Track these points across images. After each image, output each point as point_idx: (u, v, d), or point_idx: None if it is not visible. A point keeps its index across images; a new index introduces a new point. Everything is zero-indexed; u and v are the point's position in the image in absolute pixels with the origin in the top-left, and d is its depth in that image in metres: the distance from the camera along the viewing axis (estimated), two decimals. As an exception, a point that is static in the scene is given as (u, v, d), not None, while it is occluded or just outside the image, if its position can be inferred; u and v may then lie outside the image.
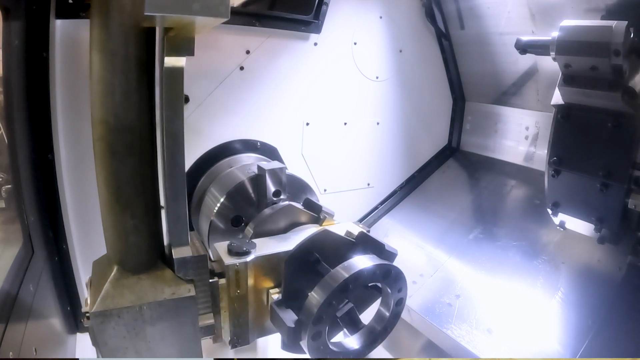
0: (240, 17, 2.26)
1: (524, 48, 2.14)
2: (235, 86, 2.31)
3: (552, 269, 2.17)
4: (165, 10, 0.90)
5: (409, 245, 2.71)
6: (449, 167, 3.18)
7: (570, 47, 1.80)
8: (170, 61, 1.11)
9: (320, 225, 1.75)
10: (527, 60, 2.56)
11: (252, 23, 2.27)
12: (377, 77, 2.80)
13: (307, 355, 1.33)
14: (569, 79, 1.91)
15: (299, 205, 1.77)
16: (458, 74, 3.10)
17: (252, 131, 2.43)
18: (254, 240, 1.51)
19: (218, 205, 1.90)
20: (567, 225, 2.14)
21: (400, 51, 2.86)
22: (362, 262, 1.32)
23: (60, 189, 1.91)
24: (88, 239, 2.11)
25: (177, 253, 1.26)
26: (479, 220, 2.69)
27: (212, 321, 1.35)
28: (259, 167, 1.85)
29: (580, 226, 2.08)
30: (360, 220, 2.94)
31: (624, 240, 1.97)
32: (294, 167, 2.53)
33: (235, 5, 2.40)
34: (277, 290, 1.44)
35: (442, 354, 2.11)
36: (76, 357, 2.01)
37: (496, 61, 2.78)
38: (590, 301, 1.95)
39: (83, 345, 2.07)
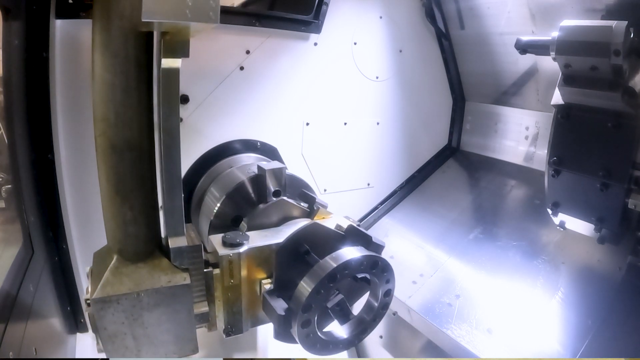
0: (240, 17, 2.26)
1: (524, 48, 2.14)
2: (235, 86, 2.31)
3: (552, 269, 2.17)
4: (160, 17, 0.99)
5: (409, 245, 2.71)
6: (449, 167, 3.18)
7: (570, 47, 1.80)
8: (167, 62, 1.18)
9: (314, 216, 1.80)
10: (527, 60, 2.56)
11: (252, 23, 2.27)
12: (377, 77, 2.80)
13: (303, 355, 1.36)
14: (569, 79, 1.91)
15: (291, 200, 1.81)
16: (458, 74, 3.10)
17: (252, 131, 2.43)
18: (248, 233, 1.57)
19: (218, 205, 1.90)
20: (567, 225, 2.14)
21: (400, 51, 2.86)
22: (350, 253, 1.39)
23: (60, 189, 1.91)
24: (88, 239, 2.10)
25: (173, 243, 1.32)
26: (479, 220, 2.69)
27: (206, 309, 1.42)
28: (259, 167, 1.85)
29: (580, 226, 2.08)
30: (360, 221, 2.94)
31: (624, 240, 1.97)
32: (294, 167, 2.53)
33: (235, 5, 2.40)
34: (269, 280, 1.50)
35: (442, 354, 2.11)
36: (76, 357, 2.01)
37: (496, 61, 2.78)
38: (590, 301, 1.95)
39: (83, 345, 2.08)
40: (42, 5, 1.70)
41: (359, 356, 2.77)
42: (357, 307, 1.59)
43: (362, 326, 1.54)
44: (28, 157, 1.72)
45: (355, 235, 1.52)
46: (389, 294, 1.53)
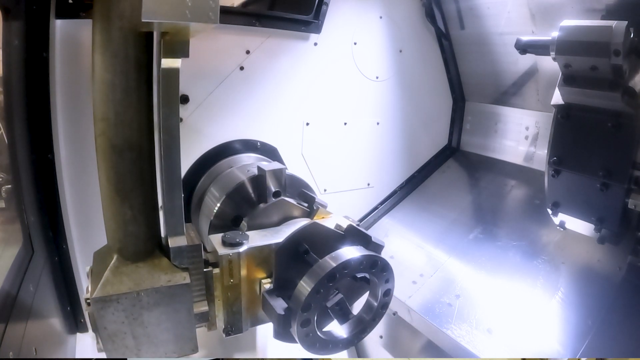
0: (240, 17, 2.26)
1: (524, 48, 2.14)
2: (235, 86, 2.31)
3: (552, 269, 2.17)
4: (160, 18, 1.00)
5: (409, 245, 2.71)
6: (449, 167, 3.18)
7: (570, 47, 1.80)
8: (167, 62, 1.19)
9: (314, 215, 1.81)
10: (527, 60, 2.56)
11: (252, 23, 2.27)
12: (377, 77, 2.80)
13: (303, 355, 1.36)
14: (569, 79, 1.91)
15: (291, 200, 1.82)
16: (458, 74, 3.10)
17: (252, 131, 2.43)
18: (247, 233, 1.58)
19: (218, 205, 1.90)
20: (567, 225, 2.14)
21: (400, 51, 2.86)
22: (349, 252, 1.39)
23: (60, 189, 1.91)
24: (88, 239, 2.10)
25: (173, 242, 1.33)
26: (479, 220, 2.69)
27: (206, 308, 1.42)
28: (259, 168, 1.85)
29: (580, 226, 2.08)
30: (360, 221, 2.94)
31: (624, 240, 1.97)
32: (294, 167, 2.53)
33: (235, 5, 2.40)
34: (269, 280, 1.51)
35: (442, 354, 2.11)
36: (76, 357, 2.01)
37: (496, 61, 2.78)
38: (590, 301, 1.95)
39: (83, 345, 2.08)
40: (42, 5, 1.70)
41: (359, 356, 2.77)
42: (357, 307, 1.60)
43: (362, 326, 1.54)
44: (28, 157, 1.72)
45: (355, 235, 1.52)
46: (388, 293, 1.53)
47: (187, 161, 2.27)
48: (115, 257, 1.31)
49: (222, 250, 1.44)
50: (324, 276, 1.31)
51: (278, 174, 1.85)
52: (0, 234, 1.86)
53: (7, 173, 1.75)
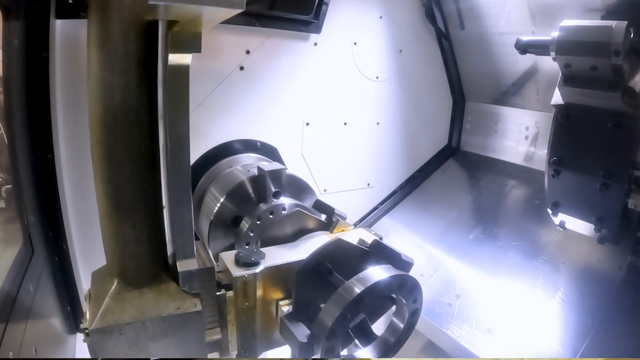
0: (240, 17, 2.26)
1: (524, 48, 2.14)
2: (235, 86, 2.31)
3: (552, 269, 2.17)
4: None
5: (409, 245, 2.71)
6: (449, 167, 3.18)
7: (570, 47, 1.80)
8: (175, 58, 1.04)
9: (333, 228, 1.70)
10: (527, 60, 2.56)
11: (252, 23, 2.27)
12: (377, 77, 2.80)
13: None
14: (569, 79, 1.91)
15: (307, 211, 1.71)
16: (458, 74, 3.10)
17: (252, 131, 2.43)
18: (262, 250, 1.46)
19: (218, 205, 1.90)
20: (567, 225, 2.14)
21: (400, 51, 2.86)
22: (377, 273, 1.26)
23: (60, 189, 1.91)
24: (88, 238, 2.10)
25: (182, 266, 1.19)
26: (479, 220, 2.69)
27: (219, 336, 1.29)
28: (259, 168, 1.85)
29: (580, 226, 2.08)
30: (360, 220, 2.94)
31: (624, 240, 1.97)
32: (294, 167, 2.53)
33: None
34: (286, 301, 1.40)
35: (442, 354, 2.11)
36: (76, 357, 2.01)
37: (496, 61, 2.78)
38: (590, 301, 1.95)
39: (83, 345, 2.07)
40: (42, 5, 1.70)
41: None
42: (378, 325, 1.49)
43: (386, 348, 1.42)
44: (28, 157, 1.72)
45: (381, 252, 1.41)
46: (416, 313, 1.41)
47: (187, 162, 2.27)
48: (116, 281, 1.17)
49: (236, 272, 1.32)
50: (351, 301, 1.19)
51: (278, 174, 1.84)
52: (0, 234, 1.86)
53: (7, 173, 1.75)
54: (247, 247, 1.81)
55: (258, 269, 1.35)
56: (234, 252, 1.40)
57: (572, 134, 2.00)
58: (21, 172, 1.64)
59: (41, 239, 1.77)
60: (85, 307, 1.25)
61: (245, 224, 1.82)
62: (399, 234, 2.85)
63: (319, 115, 2.62)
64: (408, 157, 3.11)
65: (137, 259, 1.18)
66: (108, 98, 1.05)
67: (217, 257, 1.91)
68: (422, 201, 3.03)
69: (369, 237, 1.49)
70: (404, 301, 1.36)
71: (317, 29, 2.46)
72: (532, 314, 2.01)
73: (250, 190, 1.90)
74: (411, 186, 3.11)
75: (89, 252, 2.12)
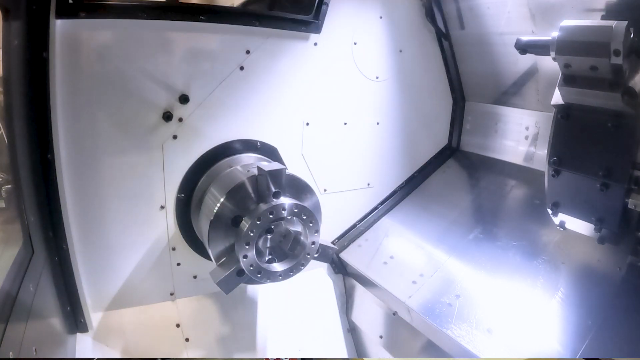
0: (240, 17, 2.26)
1: (524, 48, 2.14)
2: (235, 86, 2.31)
3: (552, 269, 2.17)
4: None
5: (409, 245, 2.71)
6: (449, 167, 3.18)
7: (570, 47, 1.80)
8: None
9: None
10: (527, 60, 2.56)
11: (252, 23, 2.27)
12: (377, 77, 2.79)
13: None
14: (569, 79, 1.91)
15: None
16: (458, 74, 3.10)
17: (252, 131, 2.43)
18: None
19: (218, 205, 1.90)
20: (567, 225, 2.14)
21: (400, 51, 2.86)
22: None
23: (60, 189, 1.91)
24: (88, 238, 2.11)
25: None
26: (479, 220, 2.69)
27: None
28: (259, 168, 1.85)
29: (580, 226, 2.08)
30: (360, 221, 2.94)
31: (624, 240, 1.97)
32: (294, 167, 2.53)
33: (235, 5, 2.40)
34: None
35: (442, 354, 2.11)
36: (76, 357, 2.01)
37: (496, 61, 2.78)
38: (590, 301, 1.95)
39: (83, 345, 2.08)
40: (42, 5, 1.70)
41: (359, 356, 2.77)
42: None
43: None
44: (28, 157, 1.72)
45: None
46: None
47: (187, 161, 2.27)
48: None
49: None
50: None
51: (278, 174, 1.85)
52: (0, 234, 1.86)
53: (7, 173, 1.75)
54: (247, 247, 1.81)
55: None
56: None
57: (572, 134, 2.00)
58: (21, 172, 1.64)
59: (41, 239, 1.78)
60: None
61: (245, 224, 1.82)
62: (399, 234, 2.85)
63: (319, 116, 2.62)
64: (408, 157, 3.11)
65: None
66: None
67: (217, 257, 1.93)
68: (422, 201, 3.03)
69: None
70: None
71: (317, 29, 2.46)
72: (532, 314, 2.01)
73: (250, 190, 1.90)
74: (411, 186, 3.10)
75: (89, 252, 2.12)
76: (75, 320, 2.05)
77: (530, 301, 2.07)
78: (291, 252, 1.96)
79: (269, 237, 1.94)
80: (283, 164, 2.40)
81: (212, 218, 1.89)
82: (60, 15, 1.81)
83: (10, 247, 1.58)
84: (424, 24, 2.91)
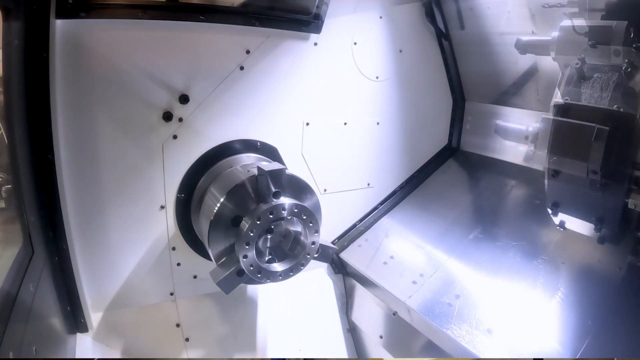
0: (240, 17, 2.26)
1: (524, 48, 2.14)
2: (235, 86, 2.31)
3: (552, 269, 2.17)
4: None
5: (409, 245, 2.71)
6: (449, 167, 3.18)
7: (570, 47, 1.80)
8: None
9: None
10: (527, 60, 2.56)
11: (252, 23, 2.27)
12: (377, 77, 2.79)
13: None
14: (569, 79, 1.91)
15: None
16: (458, 74, 3.09)
17: (252, 131, 2.43)
18: None
19: (218, 205, 1.90)
20: (567, 225, 2.14)
21: (400, 51, 2.86)
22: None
23: (60, 189, 1.91)
24: (88, 238, 2.11)
25: None
26: (479, 220, 2.69)
27: None
28: (259, 168, 1.85)
29: (580, 226, 2.08)
30: (360, 221, 2.94)
31: (624, 240, 1.97)
32: (294, 167, 2.52)
33: (235, 5, 2.40)
34: None
35: (442, 354, 2.11)
36: (76, 357, 2.01)
37: (496, 61, 2.77)
38: (590, 301, 1.95)
39: (83, 345, 2.08)
40: (42, 5, 1.70)
41: (359, 356, 2.77)
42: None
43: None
44: (28, 157, 1.72)
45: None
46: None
47: (187, 161, 2.27)
48: None
49: None
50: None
51: (278, 174, 1.85)
52: (0, 234, 1.86)
53: (7, 173, 1.75)
54: (247, 247, 1.81)
55: None
56: None
57: (571, 134, 2.00)
58: (21, 172, 1.64)
59: (41, 239, 1.78)
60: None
61: (245, 224, 1.82)
62: (399, 234, 2.85)
63: (319, 115, 2.62)
64: (408, 157, 3.11)
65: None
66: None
67: (217, 257, 1.93)
68: (422, 201, 3.03)
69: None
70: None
71: (317, 29, 2.46)
72: (532, 314, 2.01)
73: (250, 190, 1.90)
74: (411, 186, 3.10)
75: (89, 252, 2.12)
76: (75, 320, 2.05)
77: (531, 301, 2.07)
78: (291, 252, 1.96)
79: (269, 237, 1.94)
80: (283, 164, 2.40)
81: (212, 218, 1.89)
82: (60, 15, 1.81)
83: (10, 247, 1.58)
84: (424, 24, 2.91)
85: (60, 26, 1.83)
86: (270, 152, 2.48)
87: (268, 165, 1.90)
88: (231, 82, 2.30)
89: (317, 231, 1.97)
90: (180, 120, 2.20)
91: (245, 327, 2.50)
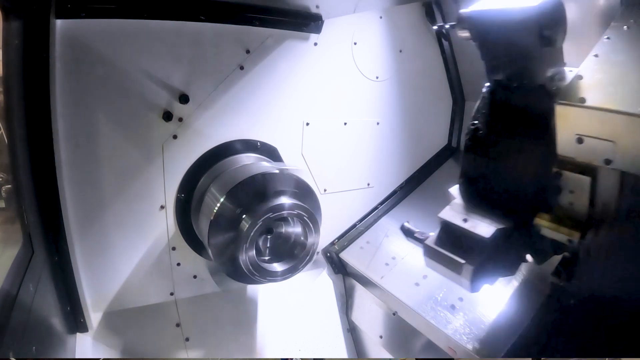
0: (240, 16, 2.26)
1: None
2: (235, 86, 2.31)
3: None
4: None
5: (409, 245, 2.71)
6: (449, 167, 3.18)
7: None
8: None
9: None
10: (527, 60, 2.55)
11: (252, 23, 2.27)
12: (377, 77, 2.80)
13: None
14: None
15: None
16: (458, 74, 3.09)
17: (252, 131, 2.43)
18: None
19: (218, 205, 1.90)
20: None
21: (400, 51, 2.86)
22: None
23: (60, 189, 1.91)
24: (88, 239, 2.11)
25: None
26: (479, 220, 2.68)
27: None
28: (260, 168, 1.85)
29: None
30: (360, 221, 2.94)
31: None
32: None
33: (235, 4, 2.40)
34: None
35: (442, 354, 2.11)
36: (76, 357, 2.01)
37: (496, 61, 2.77)
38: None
39: (83, 345, 2.08)
40: (42, 5, 1.70)
41: (359, 356, 2.77)
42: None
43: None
44: (28, 157, 1.72)
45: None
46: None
47: (187, 161, 2.27)
48: None
49: None
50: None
51: (278, 174, 1.85)
52: (0, 234, 1.86)
53: (7, 173, 1.75)
54: (247, 246, 1.81)
55: None
56: None
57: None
58: (21, 172, 1.64)
59: (41, 239, 1.78)
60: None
61: (245, 224, 1.82)
62: (400, 234, 2.85)
63: (319, 115, 2.62)
64: (408, 157, 3.11)
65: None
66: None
67: (217, 257, 1.93)
68: (422, 201, 3.02)
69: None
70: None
71: (317, 29, 2.46)
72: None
73: (250, 190, 1.90)
74: (411, 186, 3.10)
75: (89, 252, 2.12)
76: (75, 320, 2.05)
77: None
78: (291, 252, 1.96)
79: (268, 237, 1.94)
80: (283, 164, 2.40)
81: (212, 218, 1.89)
82: (60, 15, 1.81)
83: (10, 247, 1.58)
84: (424, 24, 2.91)
85: (60, 26, 1.83)
86: (270, 152, 2.48)
87: (268, 165, 1.90)
88: (231, 82, 2.30)
89: (317, 231, 1.97)
90: (180, 120, 2.20)
91: (245, 327, 2.50)
